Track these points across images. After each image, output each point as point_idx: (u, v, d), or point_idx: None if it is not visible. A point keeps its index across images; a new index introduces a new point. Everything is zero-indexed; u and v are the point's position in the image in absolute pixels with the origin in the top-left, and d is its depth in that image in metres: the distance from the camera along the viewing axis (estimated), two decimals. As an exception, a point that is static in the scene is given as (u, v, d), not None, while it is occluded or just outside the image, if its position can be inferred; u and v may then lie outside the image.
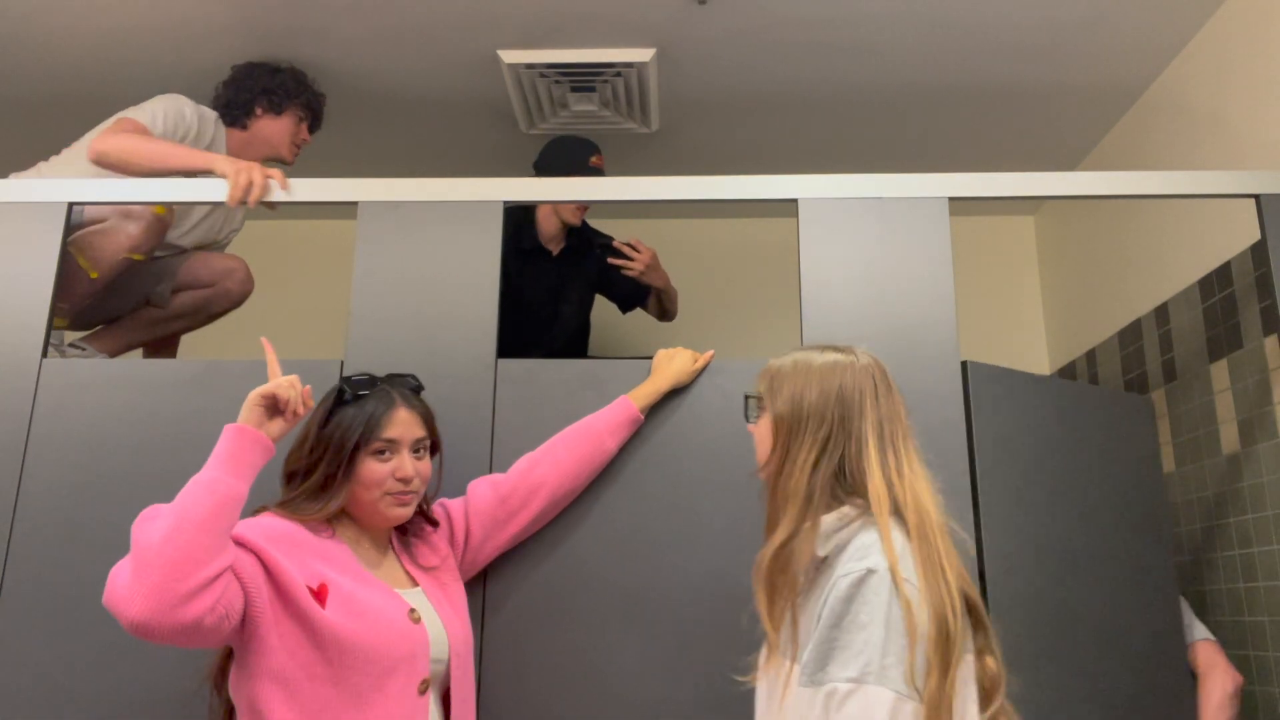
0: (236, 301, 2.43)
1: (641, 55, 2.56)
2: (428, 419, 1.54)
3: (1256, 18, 2.24)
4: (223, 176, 1.94)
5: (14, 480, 1.75)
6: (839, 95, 2.79)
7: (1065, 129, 2.95)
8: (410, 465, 1.46)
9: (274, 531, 1.36)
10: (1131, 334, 2.76)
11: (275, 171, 1.95)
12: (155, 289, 2.33)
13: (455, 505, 1.64)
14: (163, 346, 2.48)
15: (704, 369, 1.80)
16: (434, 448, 1.57)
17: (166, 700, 1.62)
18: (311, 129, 2.55)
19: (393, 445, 1.46)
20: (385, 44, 2.57)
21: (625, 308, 2.86)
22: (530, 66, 2.60)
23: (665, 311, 2.79)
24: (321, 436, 1.45)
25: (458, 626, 1.48)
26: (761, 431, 1.31)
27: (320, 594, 1.33)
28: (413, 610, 1.41)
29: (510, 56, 2.58)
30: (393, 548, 1.54)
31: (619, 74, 2.64)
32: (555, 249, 2.66)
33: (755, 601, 1.25)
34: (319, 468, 1.44)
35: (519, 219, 2.62)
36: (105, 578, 1.62)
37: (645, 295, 2.77)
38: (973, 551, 1.68)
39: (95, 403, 1.80)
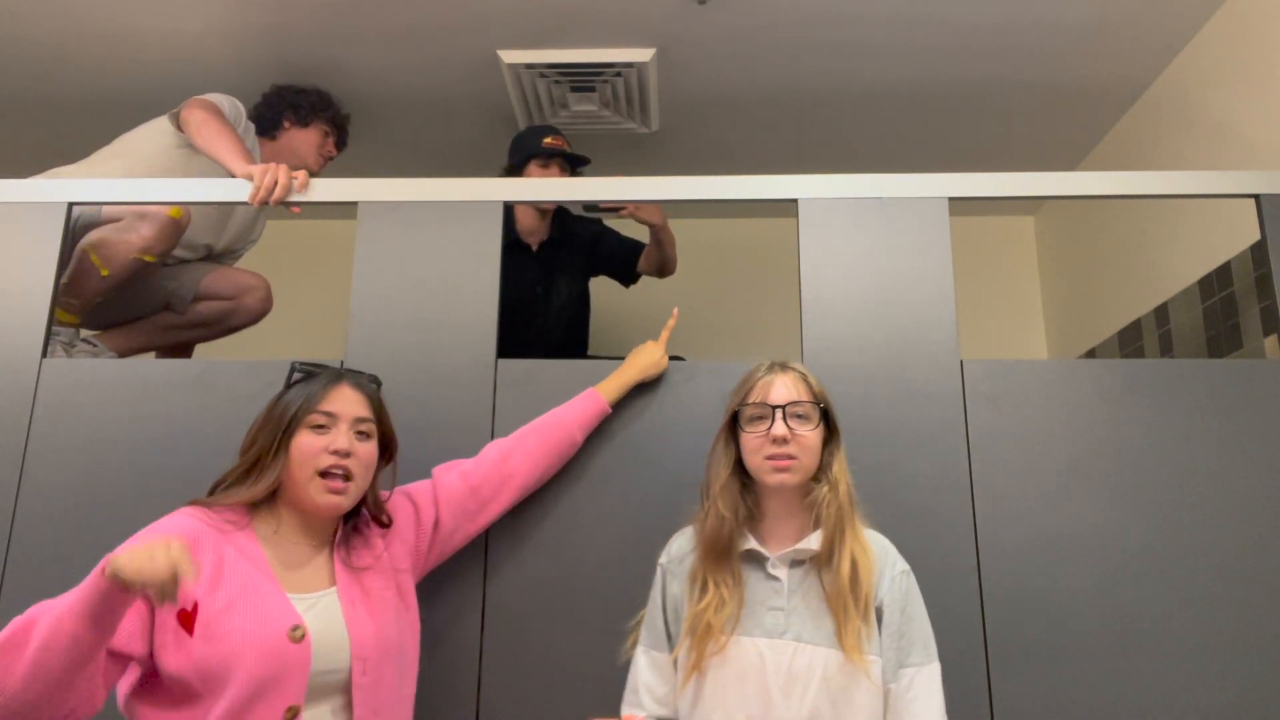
0: (255, 318, 2.46)
1: (641, 55, 2.56)
2: (375, 404, 1.48)
3: (1256, 18, 2.24)
4: (247, 179, 1.96)
5: (14, 480, 1.75)
6: (839, 95, 2.79)
7: (1065, 129, 2.95)
8: (346, 440, 1.40)
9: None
10: (1131, 334, 2.76)
11: (300, 173, 1.97)
12: (176, 293, 2.36)
13: (420, 491, 1.59)
14: (178, 356, 2.48)
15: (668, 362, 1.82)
16: (387, 448, 1.51)
17: (166, 700, 1.63)
18: (338, 145, 2.62)
19: (331, 419, 1.40)
20: (385, 44, 2.57)
21: (627, 278, 2.77)
22: (530, 66, 2.60)
23: (665, 260, 2.63)
24: (266, 416, 1.43)
25: (367, 630, 1.38)
26: (815, 438, 1.45)
27: (190, 617, 1.27)
28: (295, 628, 1.31)
29: (510, 56, 2.58)
30: (332, 544, 1.46)
31: (619, 74, 2.64)
32: (535, 243, 2.64)
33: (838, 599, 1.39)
34: (257, 444, 1.40)
35: None
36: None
37: (638, 254, 2.68)
38: (971, 551, 1.69)
39: (95, 403, 1.80)
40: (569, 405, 1.73)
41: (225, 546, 1.34)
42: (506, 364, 1.82)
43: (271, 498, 1.42)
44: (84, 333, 2.27)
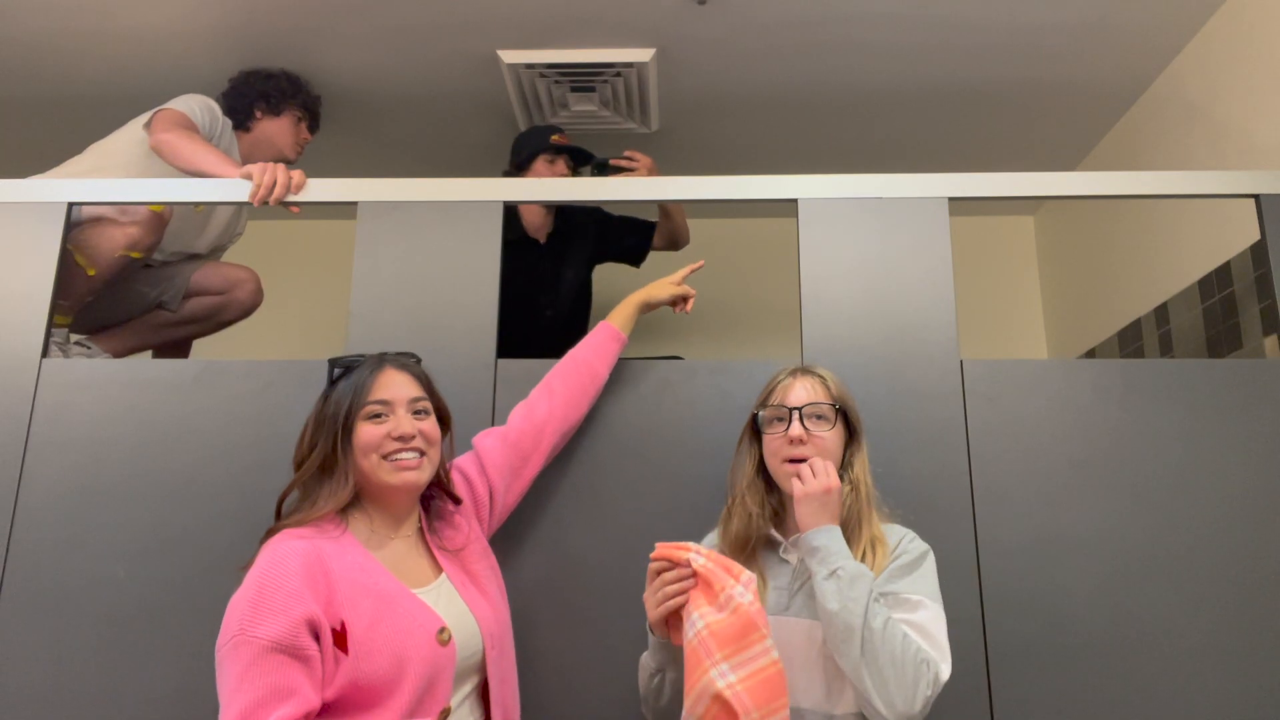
0: (246, 311, 2.47)
1: (641, 55, 2.56)
2: (424, 381, 1.48)
3: (1256, 18, 2.24)
4: (246, 179, 1.95)
5: (14, 480, 1.75)
6: (839, 95, 2.79)
7: (1065, 129, 2.95)
8: (408, 423, 1.40)
9: (307, 571, 1.25)
10: (1131, 334, 2.76)
11: (298, 173, 1.96)
12: (167, 294, 2.36)
13: (468, 464, 1.61)
14: (173, 352, 2.49)
15: (683, 296, 1.85)
16: (444, 420, 1.50)
17: (165, 701, 1.63)
18: (311, 129, 2.60)
19: (387, 406, 1.40)
20: (385, 44, 2.57)
21: (638, 258, 2.76)
22: (530, 66, 2.60)
23: (676, 230, 2.66)
24: (318, 418, 1.42)
25: (487, 610, 1.42)
26: (832, 439, 1.46)
27: (343, 637, 1.24)
28: (441, 630, 1.32)
29: (510, 56, 2.58)
30: (421, 528, 1.47)
31: (619, 74, 2.64)
32: (543, 236, 2.64)
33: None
34: (317, 447, 1.39)
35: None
36: (105, 578, 1.61)
37: (650, 233, 2.69)
38: (971, 551, 1.69)
39: (95, 403, 1.80)
40: (585, 341, 1.76)
41: (342, 557, 1.31)
42: (506, 364, 1.82)
43: (355, 498, 1.41)
44: (75, 336, 2.26)
